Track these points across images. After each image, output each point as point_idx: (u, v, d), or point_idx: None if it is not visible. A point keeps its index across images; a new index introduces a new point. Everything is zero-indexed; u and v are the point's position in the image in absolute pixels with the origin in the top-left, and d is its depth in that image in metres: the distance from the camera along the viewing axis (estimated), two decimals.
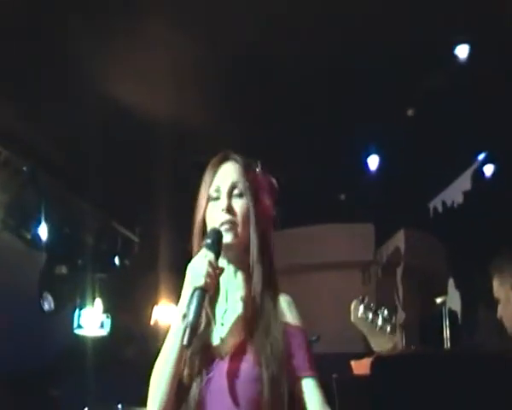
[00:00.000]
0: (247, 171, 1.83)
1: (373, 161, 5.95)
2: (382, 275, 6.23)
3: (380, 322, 2.52)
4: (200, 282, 1.62)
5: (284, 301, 1.76)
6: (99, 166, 5.27)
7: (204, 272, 1.63)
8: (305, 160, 5.67)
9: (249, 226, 1.77)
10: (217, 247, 1.69)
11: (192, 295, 1.62)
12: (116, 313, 6.35)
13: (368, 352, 2.69)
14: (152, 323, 6.52)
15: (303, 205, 5.65)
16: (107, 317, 6.31)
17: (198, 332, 1.61)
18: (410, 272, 6.14)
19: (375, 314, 2.53)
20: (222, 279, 1.74)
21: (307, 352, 1.71)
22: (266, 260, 1.77)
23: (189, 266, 1.64)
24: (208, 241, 1.69)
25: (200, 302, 1.61)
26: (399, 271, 6.19)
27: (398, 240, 6.23)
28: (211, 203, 1.79)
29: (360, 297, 2.54)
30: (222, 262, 1.73)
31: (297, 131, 5.26)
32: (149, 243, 6.43)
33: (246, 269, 1.77)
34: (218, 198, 1.78)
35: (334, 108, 4.98)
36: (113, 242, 6.36)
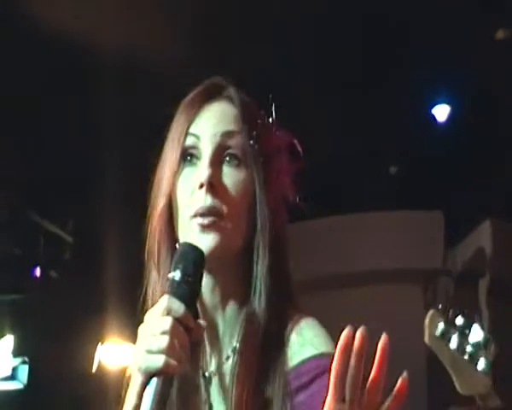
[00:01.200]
0: (252, 117, 1.51)
1: (440, 113, 5.52)
2: (456, 290, 5.57)
3: (469, 349, 1.97)
4: (158, 363, 1.28)
5: (296, 332, 1.46)
6: (7, 120, 4.90)
7: (164, 344, 1.28)
8: (334, 116, 5.19)
9: (249, 219, 1.47)
10: (191, 284, 1.34)
11: (145, 385, 1.29)
12: (37, 357, 5.81)
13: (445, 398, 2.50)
14: (94, 369, 6.03)
15: (332, 184, 5.37)
16: (23, 362, 5.80)
17: None
18: (500, 285, 5.60)
19: (463, 336, 1.96)
20: (205, 314, 1.49)
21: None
22: (280, 274, 1.49)
23: (140, 330, 1.33)
24: (174, 275, 1.33)
25: (157, 403, 1.27)
26: (483, 284, 5.60)
27: (482, 236, 5.66)
28: (184, 172, 1.48)
29: (440, 306, 1.98)
30: (204, 287, 1.44)
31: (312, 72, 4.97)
32: (89, 244, 5.89)
33: (240, 293, 1.48)
34: (194, 162, 1.48)
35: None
36: (31, 243, 5.86)
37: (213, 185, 1.45)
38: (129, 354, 6.08)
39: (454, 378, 2.17)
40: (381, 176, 5.70)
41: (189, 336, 1.34)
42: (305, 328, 1.49)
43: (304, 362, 1.46)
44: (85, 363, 6.05)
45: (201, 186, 1.45)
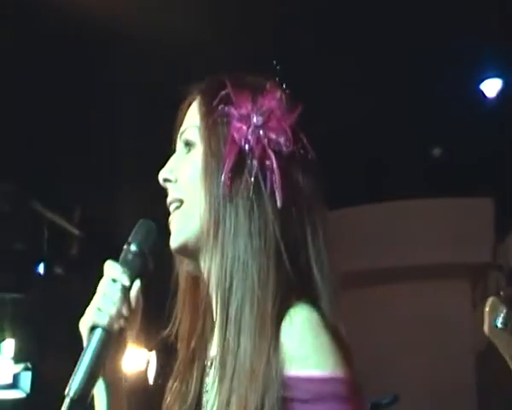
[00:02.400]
0: (208, 93, 1.53)
1: (490, 88, 5.31)
2: (508, 287, 5.13)
3: None
4: (103, 320, 1.45)
5: (292, 331, 1.36)
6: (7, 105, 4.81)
7: (112, 307, 1.45)
8: (366, 89, 5.06)
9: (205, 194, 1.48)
10: (141, 258, 1.50)
11: (87, 339, 1.46)
12: (41, 363, 5.75)
13: None
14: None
15: (363, 167, 5.37)
16: (26, 368, 5.73)
17: (86, 404, 1.43)
18: None
19: None
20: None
21: None
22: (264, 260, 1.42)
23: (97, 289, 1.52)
24: (130, 247, 1.52)
25: (98, 354, 1.43)
26: None
27: None
28: None
29: (502, 293, 2.25)
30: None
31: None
32: (98, 237, 5.83)
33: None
34: None
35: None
36: (34, 236, 5.77)
37: (166, 179, 1.54)
38: (140, 359, 5.94)
39: None
40: (423, 159, 5.63)
41: (131, 306, 1.47)
42: (305, 333, 1.39)
43: (302, 379, 1.37)
44: None
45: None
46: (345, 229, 5.04)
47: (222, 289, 1.45)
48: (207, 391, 1.54)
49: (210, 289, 1.54)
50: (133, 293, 1.50)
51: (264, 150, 1.47)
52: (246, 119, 1.49)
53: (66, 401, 1.41)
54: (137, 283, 1.50)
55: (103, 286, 1.51)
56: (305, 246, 1.48)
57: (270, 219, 1.43)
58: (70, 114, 5.15)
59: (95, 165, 5.33)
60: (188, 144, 1.54)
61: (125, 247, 1.54)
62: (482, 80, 5.26)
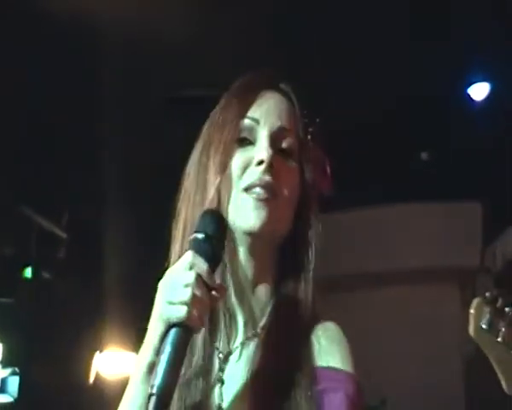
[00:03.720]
0: (303, 116, 1.67)
1: (478, 92, 5.34)
2: (495, 289, 4.69)
3: None
4: (180, 313, 1.42)
5: (325, 334, 1.59)
6: None
7: (187, 296, 1.42)
8: (351, 92, 5.10)
9: (295, 207, 1.62)
10: (215, 247, 1.50)
11: (164, 336, 1.42)
12: (29, 367, 5.72)
13: None
14: (91, 380, 6.02)
15: (356, 171, 5.11)
16: (13, 373, 5.72)
17: (170, 403, 1.40)
18: None
19: None
20: (231, 293, 1.61)
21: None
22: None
23: (161, 284, 1.47)
24: (198, 235, 1.49)
25: (178, 351, 1.41)
26: None
27: None
28: (240, 149, 1.62)
29: (488, 294, 2.00)
30: (240, 261, 1.61)
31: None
32: (86, 241, 5.82)
33: (271, 279, 1.63)
34: (246, 145, 1.62)
35: None
36: (22, 240, 5.78)
37: (273, 165, 1.57)
38: (130, 364, 6.04)
39: (501, 376, 2.20)
40: (410, 163, 5.61)
41: (210, 296, 1.45)
42: (335, 334, 1.60)
43: (331, 369, 1.54)
44: (82, 373, 6.08)
45: (259, 163, 1.58)
46: (333, 234, 5.09)
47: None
48: (223, 383, 1.57)
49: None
50: (211, 282, 1.48)
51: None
52: (320, 168, 1.70)
53: (153, 399, 1.39)
54: (209, 270, 1.48)
55: (175, 279, 1.47)
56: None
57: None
58: (57, 118, 5.09)
59: (83, 168, 5.28)
60: (287, 152, 1.63)
61: (191, 238, 1.53)
62: (470, 84, 5.23)
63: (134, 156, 5.11)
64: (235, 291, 1.63)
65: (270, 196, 1.58)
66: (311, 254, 1.63)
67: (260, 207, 1.57)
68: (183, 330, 1.42)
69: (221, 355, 1.60)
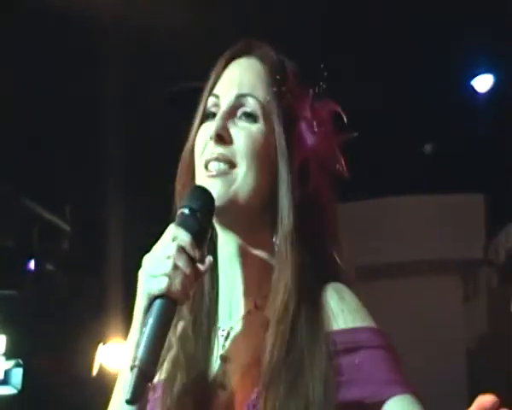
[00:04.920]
0: (278, 75, 1.62)
1: (482, 84, 5.35)
2: (499, 283, 5.47)
3: None
4: (161, 285, 1.41)
5: (334, 295, 1.57)
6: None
7: (168, 268, 1.42)
8: (355, 85, 4.96)
9: (270, 176, 1.58)
10: (199, 220, 1.50)
11: (148, 310, 1.43)
12: (32, 359, 5.75)
13: None
14: (94, 372, 6.06)
15: (358, 164, 4.51)
16: (17, 365, 5.74)
17: (154, 376, 1.40)
18: None
19: None
20: (223, 269, 1.61)
21: (390, 363, 1.52)
22: (310, 239, 1.59)
23: (145, 259, 1.48)
24: (184, 210, 1.50)
25: (161, 323, 1.41)
26: None
27: None
28: (204, 125, 1.64)
29: None
30: (220, 238, 1.61)
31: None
32: (89, 233, 5.86)
33: (264, 247, 1.60)
34: (215, 116, 1.62)
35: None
36: (25, 233, 5.76)
37: (222, 136, 1.56)
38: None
39: None
40: (414, 155, 5.60)
41: (194, 269, 1.45)
42: (347, 296, 1.58)
43: (349, 330, 1.52)
44: (85, 366, 6.09)
45: (211, 138, 1.57)
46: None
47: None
48: (226, 361, 1.57)
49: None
50: (195, 253, 1.46)
51: (318, 170, 1.61)
52: (310, 127, 1.62)
53: (135, 371, 1.38)
54: (192, 242, 1.46)
55: (158, 251, 1.46)
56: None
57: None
58: (60, 112, 5.10)
59: (85, 161, 5.29)
60: (249, 116, 1.60)
61: (177, 213, 1.52)
62: (473, 76, 5.24)
63: (137, 148, 5.17)
64: (226, 265, 1.62)
65: (227, 166, 1.57)
66: (287, 211, 1.57)
67: (215, 185, 1.55)
68: (166, 301, 1.41)
69: (223, 332, 1.59)
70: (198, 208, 1.49)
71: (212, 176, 1.55)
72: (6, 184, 5.53)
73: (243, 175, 1.56)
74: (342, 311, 1.55)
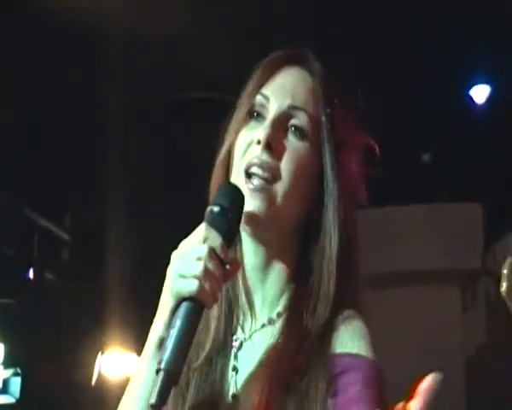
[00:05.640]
0: (330, 95, 1.60)
1: (479, 94, 5.36)
2: (498, 294, 4.56)
3: None
4: (191, 287, 1.39)
5: (344, 322, 1.55)
6: None
7: (199, 270, 1.39)
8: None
9: (310, 198, 1.56)
10: (230, 221, 1.46)
11: (175, 310, 1.40)
12: (31, 368, 5.76)
13: None
14: (94, 381, 6.05)
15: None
16: (15, 374, 5.75)
17: (178, 380, 1.38)
18: None
19: None
20: (244, 277, 1.59)
21: (366, 388, 1.47)
22: (345, 263, 1.57)
23: (174, 256, 1.44)
24: (214, 208, 1.47)
25: (189, 326, 1.38)
26: None
27: None
28: (249, 125, 1.59)
29: None
30: (246, 247, 1.59)
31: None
32: (88, 242, 5.85)
33: (288, 264, 1.58)
34: (260, 119, 1.58)
35: None
36: (24, 242, 5.82)
37: (271, 145, 1.52)
38: (132, 365, 6.08)
39: None
40: (412, 165, 5.59)
41: (223, 271, 1.43)
42: (358, 327, 1.57)
43: (351, 355, 1.52)
44: (84, 374, 6.07)
45: (259, 142, 1.53)
46: None
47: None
48: (237, 371, 1.56)
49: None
50: (225, 256, 1.45)
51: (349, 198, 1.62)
52: (356, 158, 1.63)
53: (161, 374, 1.36)
54: (223, 244, 1.44)
55: (188, 251, 1.44)
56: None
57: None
58: (60, 118, 5.11)
59: (85, 170, 5.30)
60: (299, 130, 1.58)
61: (207, 210, 1.49)
62: (471, 86, 5.21)
63: (137, 158, 5.18)
64: (248, 274, 1.61)
65: (270, 176, 1.53)
66: (333, 241, 1.57)
67: (254, 199, 1.52)
68: (194, 304, 1.39)
69: (236, 342, 1.58)
70: (230, 208, 1.47)
71: (253, 190, 1.53)
72: (6, 194, 5.50)
73: (284, 193, 1.55)
74: (346, 338, 1.54)
